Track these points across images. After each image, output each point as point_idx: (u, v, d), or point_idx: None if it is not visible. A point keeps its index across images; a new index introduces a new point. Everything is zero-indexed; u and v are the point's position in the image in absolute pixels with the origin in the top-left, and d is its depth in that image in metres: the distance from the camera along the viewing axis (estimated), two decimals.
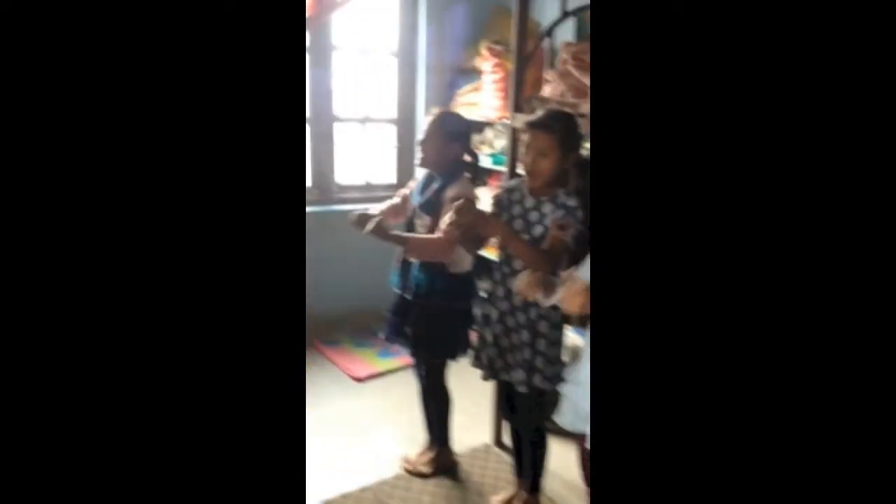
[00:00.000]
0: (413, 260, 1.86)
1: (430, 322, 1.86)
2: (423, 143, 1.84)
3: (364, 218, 1.76)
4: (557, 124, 1.54)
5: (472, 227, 1.53)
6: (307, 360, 2.88)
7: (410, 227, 1.91)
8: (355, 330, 3.13)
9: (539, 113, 1.60)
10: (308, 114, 3.14)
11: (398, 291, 1.93)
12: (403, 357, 2.79)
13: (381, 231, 1.72)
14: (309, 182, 3.23)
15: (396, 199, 2.00)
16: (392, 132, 3.40)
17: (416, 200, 1.89)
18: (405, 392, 2.58)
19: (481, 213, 1.55)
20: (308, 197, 3.22)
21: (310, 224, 3.22)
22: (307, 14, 2.89)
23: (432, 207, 1.81)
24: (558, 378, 1.58)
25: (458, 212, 1.48)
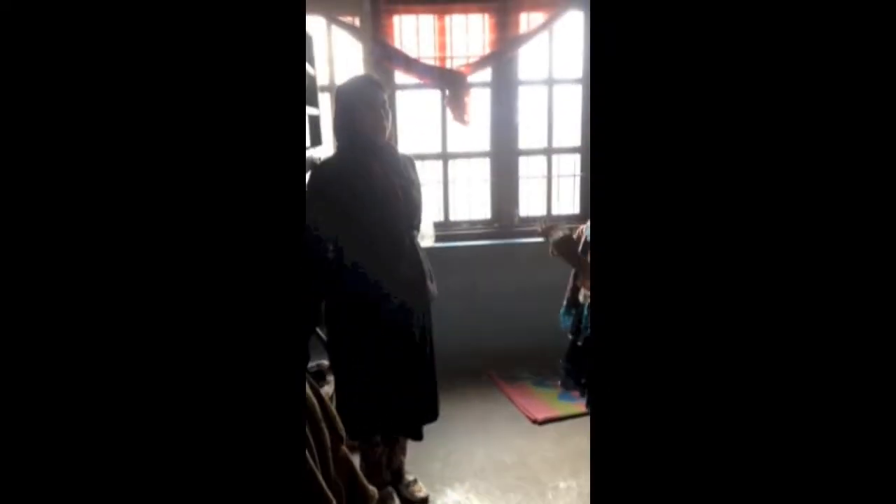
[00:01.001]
0: (583, 298, 1.71)
1: None
2: None
3: (549, 228, 1.75)
4: None
5: None
6: (486, 396, 2.85)
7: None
8: (537, 368, 3.01)
9: None
10: (490, 148, 3.16)
11: (570, 336, 1.80)
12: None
13: (564, 246, 1.69)
14: (489, 215, 3.24)
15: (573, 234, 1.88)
16: (576, 161, 3.27)
17: (589, 235, 1.76)
18: (584, 441, 2.39)
19: None
20: (488, 230, 3.23)
21: (491, 257, 3.24)
22: (490, 50, 2.94)
23: None
24: None
25: None
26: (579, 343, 1.74)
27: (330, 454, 1.41)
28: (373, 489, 1.57)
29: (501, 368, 3.04)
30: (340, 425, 1.48)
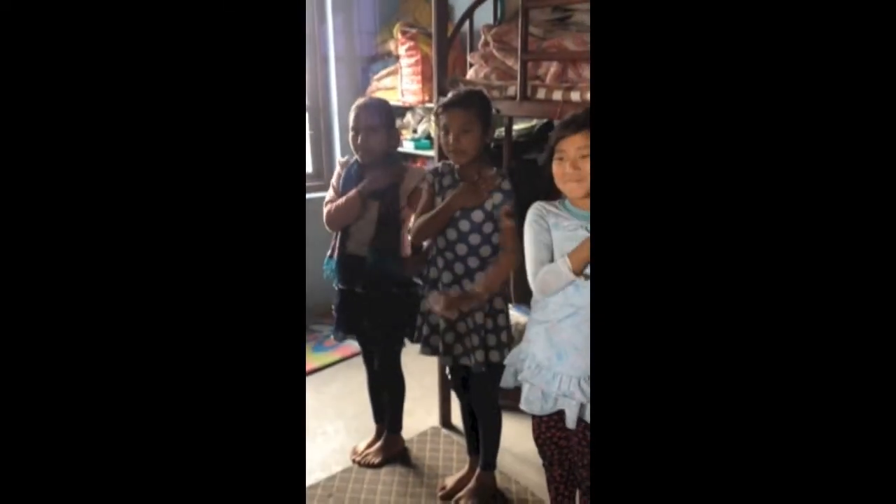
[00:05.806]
0: (356, 251, 1.83)
1: (391, 308, 1.84)
2: (356, 132, 1.80)
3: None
4: (472, 101, 1.60)
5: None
6: None
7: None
8: None
9: (451, 94, 1.64)
10: None
11: (341, 286, 1.90)
12: (339, 350, 2.75)
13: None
14: None
15: (331, 193, 1.94)
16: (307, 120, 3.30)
17: (352, 188, 1.83)
18: (343, 385, 2.55)
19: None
20: None
21: None
22: None
23: (378, 195, 1.80)
24: (508, 349, 1.62)
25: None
26: (358, 290, 1.84)
27: None
28: None
29: None
30: None
